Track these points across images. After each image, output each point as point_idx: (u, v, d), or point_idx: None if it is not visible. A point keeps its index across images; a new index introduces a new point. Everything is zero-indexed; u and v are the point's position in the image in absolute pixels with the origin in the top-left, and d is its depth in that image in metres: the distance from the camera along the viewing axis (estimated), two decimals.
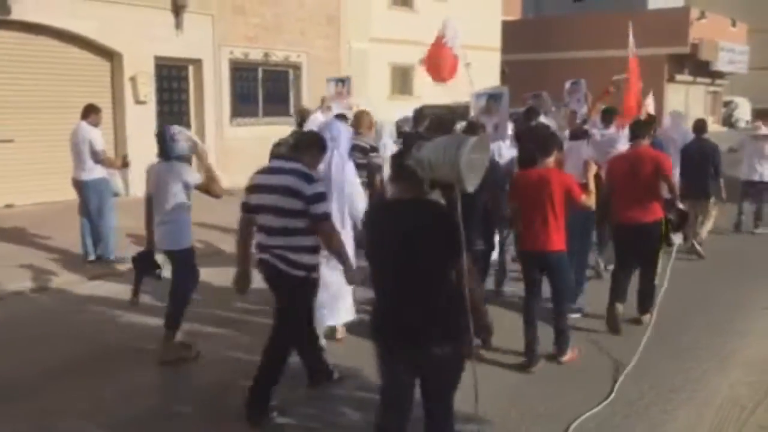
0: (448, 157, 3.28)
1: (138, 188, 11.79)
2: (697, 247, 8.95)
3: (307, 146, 4.57)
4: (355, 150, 6.40)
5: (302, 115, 7.08)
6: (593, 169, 5.86)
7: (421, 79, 30.14)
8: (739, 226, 10.60)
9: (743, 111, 38.59)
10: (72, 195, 8.34)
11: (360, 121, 7.07)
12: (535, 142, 5.66)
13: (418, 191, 3.35)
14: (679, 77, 32.08)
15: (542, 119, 8.54)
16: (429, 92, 29.49)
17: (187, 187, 5.24)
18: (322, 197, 4.33)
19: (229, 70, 13.78)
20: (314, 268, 4.49)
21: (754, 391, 4.99)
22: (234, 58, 13.80)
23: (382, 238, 3.41)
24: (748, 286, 7.71)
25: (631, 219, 6.15)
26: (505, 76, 34.42)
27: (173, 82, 13.17)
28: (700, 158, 8.92)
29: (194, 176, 5.32)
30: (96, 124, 7.96)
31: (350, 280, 4.64)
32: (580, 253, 6.58)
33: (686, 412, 4.68)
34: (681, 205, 6.32)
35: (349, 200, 5.54)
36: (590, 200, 5.48)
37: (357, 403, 4.75)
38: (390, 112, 26.28)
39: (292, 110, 15.15)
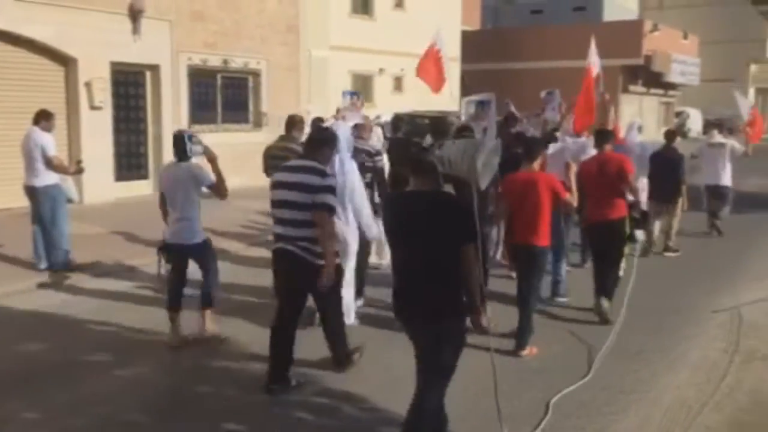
0: (467, 158, 4.07)
1: (92, 195, 11.67)
2: (670, 245, 9.71)
3: (319, 145, 4.98)
4: (362, 153, 6.85)
5: (291, 121, 7.22)
6: (573, 170, 6.41)
7: (381, 87, 30.52)
8: (714, 223, 11.07)
9: (695, 121, 39.61)
10: (25, 202, 8.16)
11: (363, 127, 7.59)
12: (523, 147, 6.15)
13: (434, 184, 3.90)
14: (632, 88, 32.84)
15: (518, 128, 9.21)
16: (388, 100, 29.72)
17: (200, 186, 5.67)
18: (328, 189, 4.74)
19: (188, 76, 13.66)
20: (335, 255, 4.90)
21: (701, 393, 5.14)
22: (192, 65, 13.69)
23: (402, 224, 3.91)
24: (701, 289, 7.91)
25: (599, 216, 6.76)
26: (464, 86, 34.81)
27: (130, 88, 13.00)
28: (668, 166, 9.47)
29: (208, 177, 5.71)
30: (48, 130, 7.80)
31: (326, 275, 4.76)
32: (557, 248, 6.98)
33: (635, 413, 4.80)
34: (643, 206, 7.05)
35: (351, 198, 5.93)
36: (573, 198, 6.09)
37: (314, 409, 4.76)
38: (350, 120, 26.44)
39: (251, 117, 15.11)
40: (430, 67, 9.02)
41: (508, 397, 4.69)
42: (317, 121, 8.04)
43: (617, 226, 6.73)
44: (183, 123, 13.64)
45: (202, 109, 14.15)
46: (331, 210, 4.77)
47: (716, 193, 11.00)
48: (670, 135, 10.07)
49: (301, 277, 4.87)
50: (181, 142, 5.68)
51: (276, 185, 4.93)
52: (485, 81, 33.61)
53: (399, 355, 4.69)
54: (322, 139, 5.09)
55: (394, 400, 4.52)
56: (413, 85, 31.07)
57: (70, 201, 8.40)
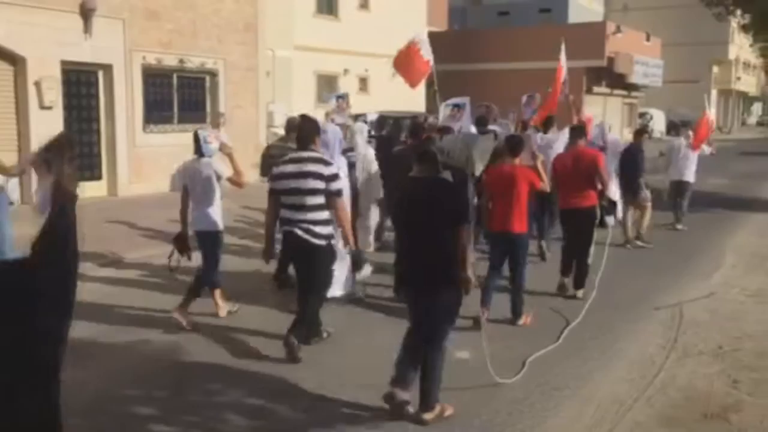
0: (464, 148, 5.16)
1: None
2: (639, 242, 10.24)
3: (310, 136, 5.62)
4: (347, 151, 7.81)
5: (291, 124, 7.69)
6: (540, 158, 7.12)
7: (346, 87, 30.45)
8: (678, 217, 11.72)
9: (658, 122, 40.20)
10: None
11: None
12: (507, 144, 6.73)
13: (435, 171, 4.57)
14: (596, 89, 33.19)
15: (492, 126, 10.03)
16: (353, 101, 29.65)
17: (219, 178, 6.32)
18: (337, 177, 5.54)
19: (142, 75, 13.47)
20: (331, 236, 5.62)
21: (633, 389, 5.17)
22: (147, 64, 13.50)
23: (407, 204, 4.61)
24: (645, 285, 8.00)
25: (573, 204, 7.51)
26: (431, 86, 34.95)
27: (82, 88, 12.78)
28: (634, 162, 10.24)
29: (225, 170, 6.35)
30: None
31: (349, 248, 5.89)
32: None
33: (568, 409, 4.82)
34: (612, 196, 8.04)
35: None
36: (545, 185, 6.78)
37: (243, 410, 4.70)
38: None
39: (208, 117, 14.95)
40: (407, 62, 9.14)
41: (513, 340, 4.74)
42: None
43: (588, 213, 7.45)
44: (137, 123, 13.47)
45: (157, 108, 13.97)
46: (340, 194, 5.60)
47: (679, 188, 11.65)
48: (638, 133, 10.91)
49: (305, 255, 5.55)
50: (197, 141, 6.33)
51: (283, 176, 5.49)
52: (452, 81, 33.69)
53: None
54: (310, 129, 5.69)
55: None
56: (379, 85, 31.19)
57: (11, 203, 8.22)
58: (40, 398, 2.62)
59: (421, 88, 33.58)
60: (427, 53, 9.89)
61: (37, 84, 11.64)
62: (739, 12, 14.12)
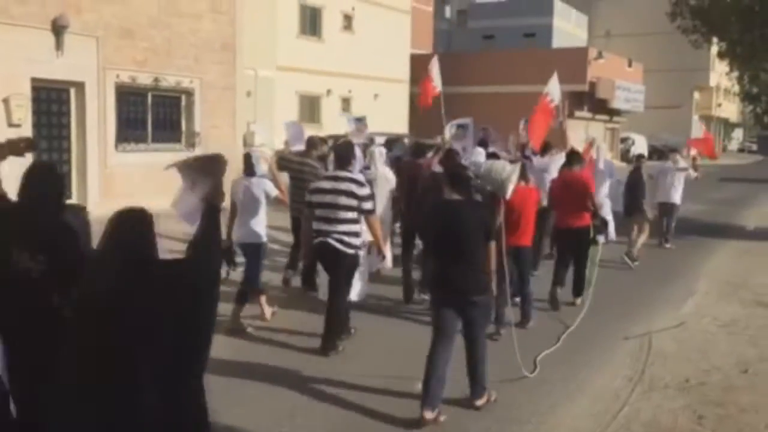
0: (496, 174, 5.76)
1: None
2: (633, 254, 10.73)
3: (347, 158, 6.40)
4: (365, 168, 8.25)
5: (312, 142, 8.53)
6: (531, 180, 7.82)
7: (329, 108, 30.47)
8: (665, 236, 12.36)
9: (640, 147, 40.45)
10: None
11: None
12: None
13: (467, 194, 5.22)
14: (578, 114, 33.37)
15: (492, 148, 10.28)
16: (336, 122, 29.63)
17: (268, 197, 6.97)
18: (370, 197, 6.26)
19: (115, 94, 13.30)
20: (359, 247, 6.34)
21: (596, 424, 5.02)
22: (120, 82, 13.33)
23: (442, 224, 5.07)
24: (614, 314, 7.87)
25: (567, 224, 8.14)
26: (414, 108, 34.98)
27: (53, 105, 12.59)
28: (637, 185, 11.09)
29: (273, 189, 7.05)
30: None
31: (379, 258, 7.03)
32: None
33: None
34: (604, 215, 8.80)
35: None
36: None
37: (291, 397, 4.55)
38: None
39: (183, 137, 14.79)
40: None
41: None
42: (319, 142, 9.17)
43: (582, 232, 8.11)
44: (110, 141, 13.28)
45: (131, 127, 13.79)
46: (372, 212, 6.28)
47: (666, 209, 12.20)
48: (639, 159, 11.90)
49: (335, 262, 6.21)
50: (249, 160, 6.98)
51: (320, 191, 6.24)
52: (435, 103, 33.87)
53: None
54: (347, 152, 6.50)
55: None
56: (362, 106, 31.17)
57: None
58: (201, 391, 3.09)
59: (405, 110, 33.75)
60: (436, 78, 11.92)
61: (6, 101, 11.45)
62: (715, 39, 14.22)
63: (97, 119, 12.98)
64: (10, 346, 3.38)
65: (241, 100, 16.36)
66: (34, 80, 11.95)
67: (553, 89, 10.66)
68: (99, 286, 2.90)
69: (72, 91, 12.79)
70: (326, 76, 29.59)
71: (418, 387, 5.07)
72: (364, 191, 6.17)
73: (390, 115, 32.12)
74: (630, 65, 39.36)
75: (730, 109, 60.28)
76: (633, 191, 11.09)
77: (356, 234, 6.22)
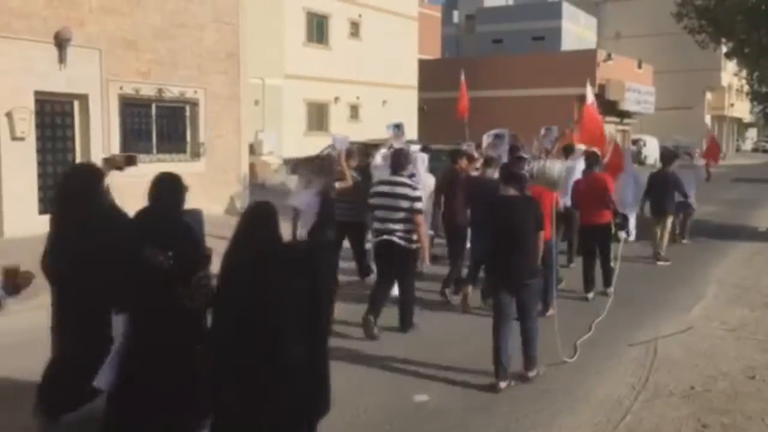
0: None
1: (14, 229, 11.24)
2: (661, 255, 11.17)
3: (401, 164, 7.23)
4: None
5: (351, 151, 8.95)
6: None
7: (337, 115, 30.47)
8: (682, 232, 12.94)
9: (651, 149, 40.11)
10: None
11: None
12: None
13: (520, 190, 5.94)
14: None
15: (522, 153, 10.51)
16: (345, 129, 29.59)
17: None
18: (420, 199, 7.03)
19: (119, 105, 13.29)
20: (415, 242, 7.05)
21: None
22: (124, 94, 13.32)
23: (500, 216, 5.88)
24: (621, 319, 7.74)
25: (590, 222, 8.90)
26: (424, 114, 34.88)
27: (57, 118, 12.58)
28: (665, 184, 11.34)
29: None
30: None
31: (424, 255, 7.35)
32: None
33: None
34: (624, 213, 9.24)
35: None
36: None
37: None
38: (307, 149, 26.31)
39: (188, 147, 14.78)
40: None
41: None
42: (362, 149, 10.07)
43: (603, 229, 8.81)
44: (114, 153, 13.28)
45: (135, 138, 13.77)
46: (421, 212, 7.02)
47: (681, 207, 12.31)
48: (666, 159, 12.06)
49: (394, 256, 6.99)
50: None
51: (380, 195, 7.10)
52: (445, 109, 33.71)
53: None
54: (402, 159, 7.30)
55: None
56: (370, 113, 31.16)
57: None
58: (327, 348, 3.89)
59: (413, 116, 33.67)
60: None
61: (9, 114, 11.45)
62: (723, 40, 14.06)
63: (101, 131, 12.97)
64: (135, 328, 4.02)
65: (247, 109, 16.32)
66: (37, 93, 11.95)
67: (590, 95, 11.49)
68: (236, 273, 3.66)
69: (75, 104, 12.79)
70: (334, 84, 29.58)
71: (419, 398, 5.02)
72: (417, 193, 7.01)
73: (399, 119, 32.08)
74: (640, 66, 39.12)
75: (743, 108, 59.61)
76: (660, 191, 11.34)
77: (410, 231, 6.99)
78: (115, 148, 13.25)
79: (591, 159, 9.29)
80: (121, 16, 13.20)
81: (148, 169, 13.42)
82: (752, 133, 71.97)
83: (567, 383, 5.86)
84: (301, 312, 3.58)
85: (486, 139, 10.00)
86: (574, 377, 6.01)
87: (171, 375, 3.95)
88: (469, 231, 8.55)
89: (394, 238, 6.93)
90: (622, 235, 8.93)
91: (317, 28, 29.50)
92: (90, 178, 4.76)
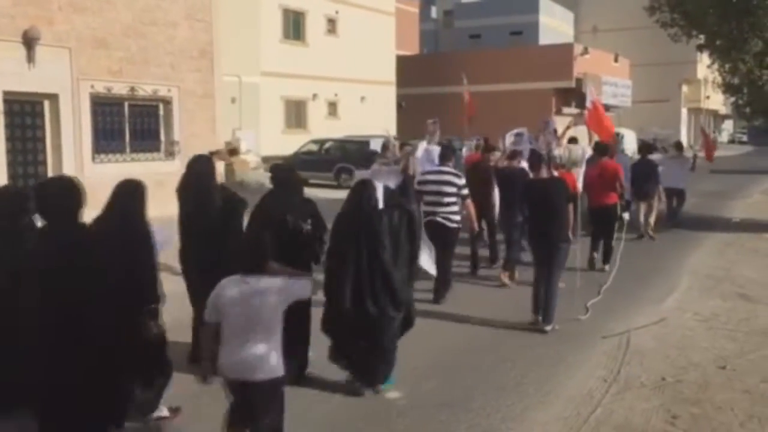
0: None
1: None
2: (650, 233, 12.60)
3: (448, 156, 8.54)
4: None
5: (386, 144, 10.18)
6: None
7: (315, 112, 30.32)
8: (673, 216, 13.94)
9: (629, 141, 40.37)
10: None
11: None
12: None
13: (549, 173, 7.54)
14: (566, 110, 33.32)
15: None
16: (323, 125, 29.50)
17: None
18: (466, 186, 8.21)
19: (91, 105, 13.12)
20: (460, 223, 8.18)
21: (567, 428, 4.91)
22: (95, 93, 13.14)
23: (535, 195, 7.41)
24: (598, 309, 7.77)
25: (599, 203, 10.05)
26: (402, 109, 34.83)
27: (26, 118, 12.39)
28: (646, 171, 12.53)
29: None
30: None
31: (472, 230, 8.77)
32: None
33: None
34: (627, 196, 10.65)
35: None
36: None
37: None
38: (285, 146, 26.14)
39: (162, 146, 14.63)
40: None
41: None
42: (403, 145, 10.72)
43: (611, 209, 9.98)
44: (86, 153, 13.13)
45: (107, 138, 13.60)
46: (468, 197, 8.26)
47: (673, 193, 13.69)
48: (647, 149, 13.65)
49: (441, 235, 7.91)
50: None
51: (427, 183, 8.17)
52: (423, 104, 33.77)
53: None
54: (448, 152, 8.64)
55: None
56: (348, 110, 31.07)
57: None
58: None
59: (392, 111, 33.59)
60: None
61: None
62: (694, 33, 14.14)
63: (72, 131, 12.80)
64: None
65: (222, 107, 16.18)
66: (6, 93, 11.77)
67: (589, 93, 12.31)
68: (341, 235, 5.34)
69: (46, 104, 12.61)
70: (312, 81, 29.44)
71: (390, 395, 4.99)
72: (462, 181, 8.15)
73: (377, 117, 31.97)
74: (616, 60, 39.35)
75: (718, 101, 60.25)
76: (643, 178, 12.39)
77: (456, 213, 8.10)
78: (87, 148, 13.11)
79: (599, 149, 10.46)
80: (91, 14, 13.03)
81: (120, 169, 13.39)
82: (728, 125, 72.68)
83: (539, 377, 5.86)
84: (403, 249, 5.34)
85: (509, 138, 11.29)
86: (546, 371, 6.01)
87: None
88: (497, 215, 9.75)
89: (438, 219, 7.95)
90: (626, 216, 10.16)
91: (294, 25, 29.35)
92: (211, 164, 5.98)
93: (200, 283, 5.16)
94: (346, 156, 23.48)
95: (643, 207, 12.61)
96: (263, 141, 26.75)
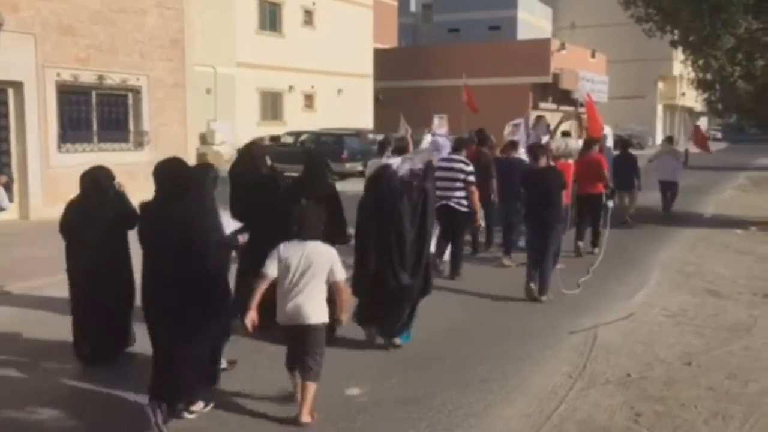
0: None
1: None
2: (629, 219, 13.33)
3: (459, 147, 9.28)
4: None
5: (386, 140, 9.74)
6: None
7: (291, 104, 30.05)
8: (667, 207, 14.98)
9: (610, 136, 40.51)
10: None
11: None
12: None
13: (547, 163, 8.38)
14: (543, 105, 33.35)
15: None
16: (299, 118, 29.26)
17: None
18: (473, 173, 8.85)
19: (56, 93, 12.82)
20: (471, 207, 8.83)
21: (530, 425, 4.81)
22: (62, 81, 12.84)
23: (533, 182, 8.21)
24: (567, 304, 7.73)
25: (586, 191, 10.70)
26: (379, 103, 34.66)
27: None
28: (626, 164, 13.38)
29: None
30: None
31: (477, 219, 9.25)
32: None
33: None
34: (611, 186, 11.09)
35: None
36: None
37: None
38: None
39: (131, 136, 14.36)
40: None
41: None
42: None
43: (597, 197, 10.67)
44: (51, 142, 12.83)
45: (74, 127, 13.31)
46: (473, 183, 8.83)
47: (666, 186, 14.79)
48: (625, 143, 14.45)
49: (453, 218, 8.79)
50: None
51: (440, 169, 8.20)
52: (400, 98, 33.59)
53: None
54: (461, 143, 9.38)
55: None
56: (325, 102, 30.84)
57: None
58: None
59: (369, 105, 33.41)
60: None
61: None
62: (668, 28, 14.13)
63: (37, 120, 12.51)
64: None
65: (193, 97, 15.91)
66: None
67: (582, 90, 14.16)
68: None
69: (10, 92, 12.29)
70: (288, 72, 29.18)
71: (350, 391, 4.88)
72: (470, 168, 8.81)
73: (354, 110, 31.81)
74: (593, 56, 39.48)
75: (694, 97, 60.80)
76: (624, 170, 13.16)
77: (466, 198, 8.77)
78: (53, 138, 12.84)
79: (589, 143, 11.29)
80: (57, 0, 12.71)
81: (86, 159, 13.11)
82: (703, 122, 73.38)
83: (503, 373, 5.76)
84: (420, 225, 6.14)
85: (507, 128, 11.84)
86: (512, 366, 5.92)
87: None
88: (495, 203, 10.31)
89: (452, 203, 8.69)
90: (610, 204, 10.84)
91: (270, 16, 29.05)
92: (264, 148, 7.16)
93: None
94: (321, 149, 23.30)
95: (625, 196, 13.32)
96: (239, 133, 26.45)
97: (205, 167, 5.68)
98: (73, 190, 5.60)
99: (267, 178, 6.69)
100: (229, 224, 5.35)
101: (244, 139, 26.17)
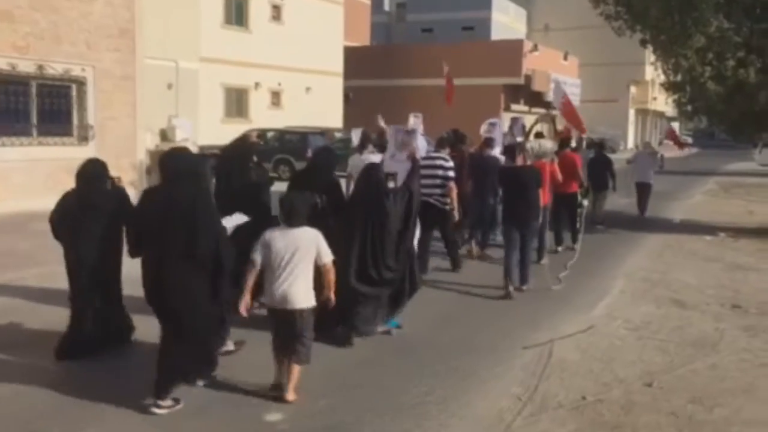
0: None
1: None
2: (600, 223, 13.34)
3: (442, 145, 9.38)
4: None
5: (365, 137, 10.11)
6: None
7: (257, 101, 29.26)
8: (643, 210, 15.18)
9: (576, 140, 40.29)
10: None
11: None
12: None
13: (525, 162, 8.72)
14: (515, 107, 32.92)
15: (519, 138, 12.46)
16: (265, 115, 28.49)
17: None
18: (453, 169, 8.98)
19: None
20: (448, 203, 8.90)
21: None
22: None
23: (512, 180, 8.39)
24: (522, 315, 7.16)
25: (562, 191, 10.63)
26: (349, 101, 33.99)
27: None
28: (601, 166, 13.44)
29: None
30: None
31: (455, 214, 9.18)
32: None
33: None
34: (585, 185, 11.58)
35: None
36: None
37: None
38: (224, 136, 25.08)
39: (75, 130, 13.55)
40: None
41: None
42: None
43: (571, 196, 10.97)
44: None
45: (11, 119, 12.45)
46: (452, 179, 8.91)
47: (642, 188, 15.09)
48: (600, 144, 14.49)
49: (434, 214, 8.81)
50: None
51: (422, 167, 7.95)
52: (371, 97, 32.98)
53: None
54: (444, 141, 9.52)
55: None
56: (292, 100, 30.09)
57: None
58: None
59: (339, 103, 32.76)
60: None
61: None
62: (638, 27, 13.71)
63: None
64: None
65: (153, 91, 15.15)
66: None
67: (557, 93, 14.06)
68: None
69: None
70: (254, 69, 28.37)
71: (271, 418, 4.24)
72: (449, 164, 8.98)
73: (324, 108, 31.09)
74: (565, 58, 39.24)
75: (665, 101, 61.02)
76: (599, 171, 13.28)
77: (446, 194, 8.87)
78: None
79: (562, 142, 11.51)
80: None
81: (25, 153, 12.30)
82: (675, 127, 73.84)
83: (445, 395, 5.17)
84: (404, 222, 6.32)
85: (484, 126, 11.69)
86: (455, 387, 5.33)
87: None
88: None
89: (432, 200, 8.74)
90: (585, 202, 11.33)
91: (236, 10, 28.21)
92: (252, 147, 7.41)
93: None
94: (285, 147, 22.67)
95: (599, 197, 13.50)
96: (201, 129, 25.62)
97: (203, 158, 6.10)
98: (11, 186, 5.03)
99: (256, 173, 6.96)
100: (232, 218, 5.58)
101: (206, 137, 25.40)
